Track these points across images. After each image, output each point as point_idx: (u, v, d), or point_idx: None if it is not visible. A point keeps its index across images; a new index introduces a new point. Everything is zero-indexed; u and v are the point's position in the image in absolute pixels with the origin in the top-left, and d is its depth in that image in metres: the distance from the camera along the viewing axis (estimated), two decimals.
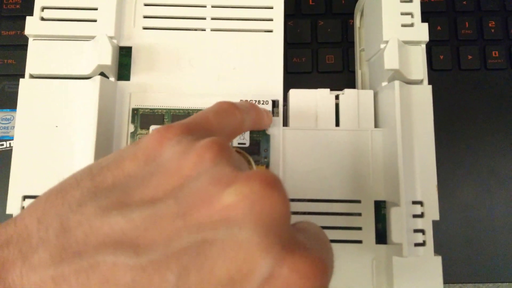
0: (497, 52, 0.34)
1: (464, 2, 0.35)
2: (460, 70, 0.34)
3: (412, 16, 0.27)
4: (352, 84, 0.34)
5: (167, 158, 0.15)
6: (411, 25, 0.27)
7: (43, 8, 0.27)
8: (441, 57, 0.34)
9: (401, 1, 0.27)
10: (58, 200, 0.14)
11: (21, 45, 0.34)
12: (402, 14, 0.27)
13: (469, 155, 0.33)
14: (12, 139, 0.33)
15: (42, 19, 0.27)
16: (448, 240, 0.32)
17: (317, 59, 0.34)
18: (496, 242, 0.32)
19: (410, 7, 0.27)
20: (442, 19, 0.35)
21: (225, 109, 0.19)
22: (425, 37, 0.27)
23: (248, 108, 0.21)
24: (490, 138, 0.33)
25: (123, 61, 0.28)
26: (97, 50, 0.26)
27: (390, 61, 0.25)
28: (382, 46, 0.27)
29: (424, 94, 0.26)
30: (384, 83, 0.27)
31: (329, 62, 0.34)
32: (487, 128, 0.33)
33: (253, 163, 0.20)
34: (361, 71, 0.33)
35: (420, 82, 0.27)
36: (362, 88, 0.33)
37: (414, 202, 0.25)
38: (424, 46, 0.27)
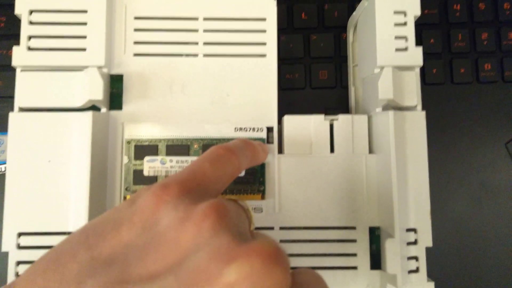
0: (489, 64, 0.34)
1: (457, 14, 0.35)
2: (452, 83, 0.34)
3: (406, 40, 0.27)
4: (345, 101, 0.33)
5: (165, 226, 0.15)
6: (405, 49, 0.27)
7: (29, 37, 0.26)
8: (434, 70, 0.34)
9: (395, 25, 0.27)
10: (56, 275, 0.14)
11: (7, 65, 0.33)
12: (396, 38, 0.27)
13: (460, 168, 0.34)
14: (4, 164, 0.32)
15: (29, 48, 0.26)
16: (438, 253, 0.33)
17: (310, 75, 0.34)
18: (487, 254, 0.33)
19: (404, 30, 0.27)
20: (435, 32, 0.34)
21: (221, 156, 0.19)
22: (419, 62, 0.27)
23: (244, 148, 0.21)
24: (481, 151, 0.34)
25: (115, 89, 0.27)
26: (88, 83, 0.25)
27: (384, 91, 0.25)
28: (376, 71, 0.27)
29: (417, 121, 0.26)
30: (378, 109, 0.27)
31: (322, 78, 0.34)
32: (478, 141, 0.34)
33: (251, 212, 0.20)
34: (355, 87, 0.33)
35: (414, 107, 0.27)
36: (355, 105, 0.33)
37: (408, 230, 0.26)
38: (418, 70, 0.27)
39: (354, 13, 0.32)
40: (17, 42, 0.26)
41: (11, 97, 0.26)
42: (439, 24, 0.35)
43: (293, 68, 0.34)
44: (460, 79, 0.34)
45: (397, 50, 0.27)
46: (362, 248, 0.26)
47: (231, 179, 0.20)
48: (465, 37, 0.34)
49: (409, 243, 0.25)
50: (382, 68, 0.26)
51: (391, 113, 0.25)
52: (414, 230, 0.26)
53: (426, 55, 0.34)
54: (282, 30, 0.34)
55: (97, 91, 0.25)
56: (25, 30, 0.26)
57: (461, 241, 0.33)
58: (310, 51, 0.34)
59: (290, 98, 0.34)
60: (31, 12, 0.26)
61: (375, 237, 0.27)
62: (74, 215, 0.25)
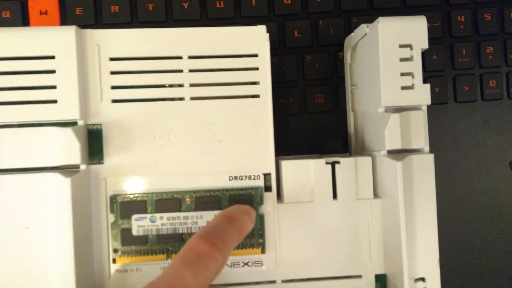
0: (494, 81, 0.32)
1: (462, 26, 0.32)
2: (456, 102, 0.32)
3: (413, 77, 0.24)
4: (343, 125, 0.31)
5: None
6: (412, 87, 0.24)
7: None
8: (437, 89, 0.32)
9: (400, 60, 0.24)
10: None
11: None
12: (402, 75, 0.24)
13: (465, 191, 0.32)
14: None
15: None
16: (447, 278, 0.32)
17: (305, 99, 0.32)
18: (495, 279, 0.32)
19: (410, 66, 0.24)
20: (438, 47, 0.32)
21: (203, 256, 0.17)
22: (427, 101, 0.24)
23: (228, 230, 0.19)
24: (486, 173, 0.32)
25: (94, 141, 0.25)
26: (62, 148, 0.22)
27: (392, 141, 0.23)
28: (380, 110, 0.25)
29: (425, 164, 0.24)
30: (383, 153, 0.25)
31: (319, 102, 0.32)
32: (482, 161, 0.32)
33: None
34: (354, 112, 0.30)
35: (421, 150, 0.25)
36: (355, 131, 0.31)
37: (417, 279, 0.24)
38: (425, 108, 0.25)
39: (352, 34, 0.29)
40: None
41: None
42: (442, 38, 0.32)
43: (287, 92, 0.32)
44: (464, 98, 0.32)
45: (403, 88, 0.24)
46: None
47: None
48: (469, 52, 0.32)
49: None
50: (387, 109, 0.24)
51: (399, 164, 0.23)
52: (423, 279, 0.25)
53: (428, 73, 0.32)
54: (273, 50, 0.31)
55: (74, 156, 0.22)
56: None
57: (467, 265, 0.32)
58: (305, 73, 0.32)
59: (285, 124, 0.32)
60: None
61: (380, 276, 0.26)
62: (60, 286, 0.23)
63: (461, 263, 0.32)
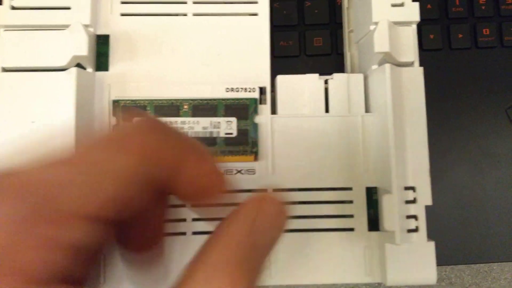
0: (487, 30, 0.33)
1: None
2: (450, 49, 0.33)
3: None
4: (341, 67, 0.33)
5: None
6: (402, 4, 0.26)
7: None
8: (431, 36, 0.33)
9: None
10: None
11: None
12: None
13: (461, 136, 0.33)
14: None
15: (13, 8, 0.25)
16: (440, 222, 0.32)
17: (305, 42, 0.33)
18: (488, 222, 0.32)
19: None
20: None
21: None
22: (416, 17, 0.26)
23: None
24: (481, 118, 0.33)
25: (101, 51, 0.26)
26: (72, 40, 0.24)
27: (380, 43, 0.24)
28: (372, 27, 0.26)
29: (415, 77, 0.25)
30: (374, 66, 0.26)
31: (317, 44, 0.33)
32: (478, 108, 0.33)
33: None
34: (350, 53, 0.32)
35: (411, 64, 0.26)
36: (351, 71, 0.32)
37: (406, 188, 0.25)
38: (415, 26, 0.26)
39: None
40: None
41: None
42: None
43: (287, 35, 0.33)
44: (458, 45, 0.33)
45: (393, 5, 0.26)
46: (359, 209, 0.25)
47: None
48: (462, 2, 0.34)
49: (408, 202, 0.24)
50: (377, 24, 0.25)
51: (387, 66, 0.24)
52: (413, 189, 0.25)
53: (423, 21, 0.33)
54: None
55: (81, 47, 0.24)
56: None
57: (461, 209, 0.32)
58: (305, 18, 0.33)
59: (284, 65, 0.33)
60: None
61: (373, 201, 0.26)
62: None
63: (459, 206, 0.32)
